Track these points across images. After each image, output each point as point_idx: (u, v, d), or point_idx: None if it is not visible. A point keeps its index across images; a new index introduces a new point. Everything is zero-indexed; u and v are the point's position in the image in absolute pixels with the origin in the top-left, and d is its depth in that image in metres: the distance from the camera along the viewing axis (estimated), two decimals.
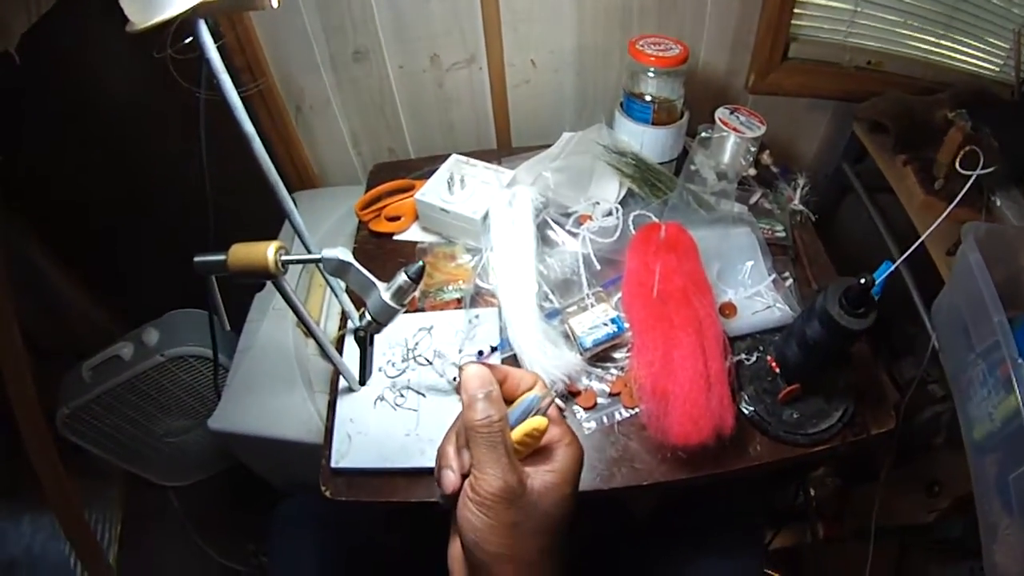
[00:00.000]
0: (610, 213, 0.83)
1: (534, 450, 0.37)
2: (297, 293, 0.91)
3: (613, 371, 0.70)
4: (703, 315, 0.66)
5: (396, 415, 0.66)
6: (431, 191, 0.85)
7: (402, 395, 0.68)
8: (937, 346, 0.72)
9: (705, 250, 0.74)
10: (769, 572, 1.06)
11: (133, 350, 0.93)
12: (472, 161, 0.90)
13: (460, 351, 0.71)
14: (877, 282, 0.52)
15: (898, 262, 0.53)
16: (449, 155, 0.91)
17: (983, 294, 0.58)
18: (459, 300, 0.77)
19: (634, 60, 0.83)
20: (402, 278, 0.52)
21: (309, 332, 0.58)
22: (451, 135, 1.07)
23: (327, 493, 0.63)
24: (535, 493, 0.35)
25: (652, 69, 0.83)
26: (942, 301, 0.72)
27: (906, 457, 0.86)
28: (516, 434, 0.36)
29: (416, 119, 1.05)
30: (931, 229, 0.55)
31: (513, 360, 0.70)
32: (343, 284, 0.68)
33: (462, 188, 0.84)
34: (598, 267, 0.78)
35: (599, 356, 0.71)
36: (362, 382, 0.67)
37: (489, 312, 0.75)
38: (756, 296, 0.75)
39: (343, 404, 0.68)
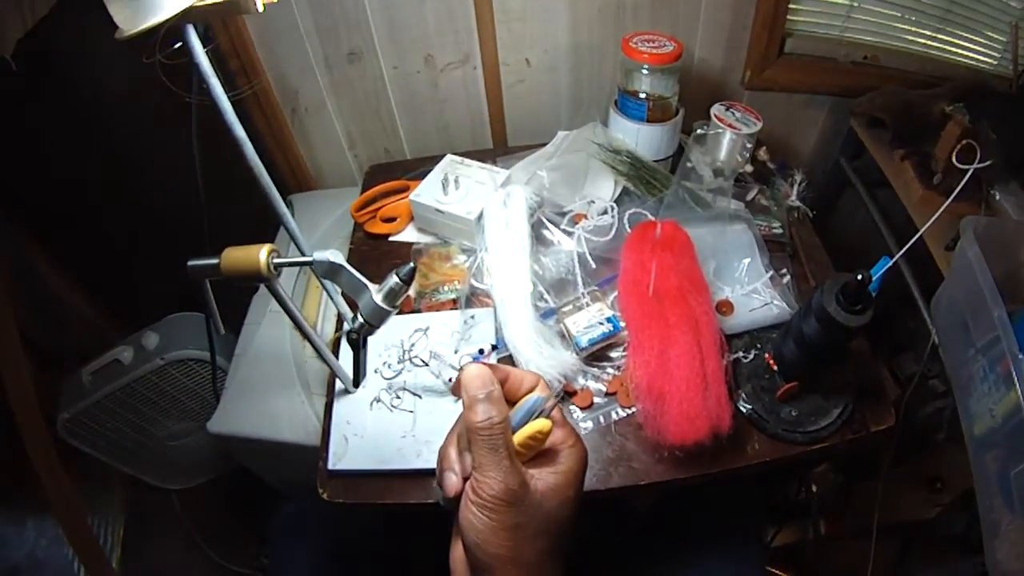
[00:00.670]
0: (605, 212, 0.83)
1: (538, 452, 0.37)
2: (294, 296, 0.92)
3: (609, 370, 0.69)
4: (700, 313, 0.65)
5: (392, 417, 0.66)
6: (426, 192, 0.85)
7: (398, 397, 0.68)
8: (937, 341, 0.71)
9: (701, 248, 0.74)
10: (771, 569, 1.06)
11: (133, 354, 0.94)
12: (467, 161, 0.90)
13: (456, 352, 0.71)
14: (875, 278, 0.51)
15: (896, 257, 0.53)
16: (445, 155, 0.91)
17: (983, 289, 0.58)
18: (455, 301, 0.77)
19: (628, 57, 0.82)
20: (393, 280, 0.51)
21: (303, 334, 0.58)
22: (446, 135, 1.07)
23: (324, 495, 0.63)
24: (539, 495, 0.34)
25: (646, 66, 0.82)
26: (941, 296, 0.72)
27: (908, 453, 0.86)
28: (520, 437, 0.35)
29: (411, 119, 1.05)
30: (929, 223, 0.54)
31: (509, 360, 0.70)
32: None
33: (456, 188, 0.84)
34: (593, 266, 0.77)
35: (595, 355, 0.70)
36: (356, 384, 0.67)
37: (485, 313, 0.74)
38: (753, 293, 0.74)
39: (339, 406, 0.68)
